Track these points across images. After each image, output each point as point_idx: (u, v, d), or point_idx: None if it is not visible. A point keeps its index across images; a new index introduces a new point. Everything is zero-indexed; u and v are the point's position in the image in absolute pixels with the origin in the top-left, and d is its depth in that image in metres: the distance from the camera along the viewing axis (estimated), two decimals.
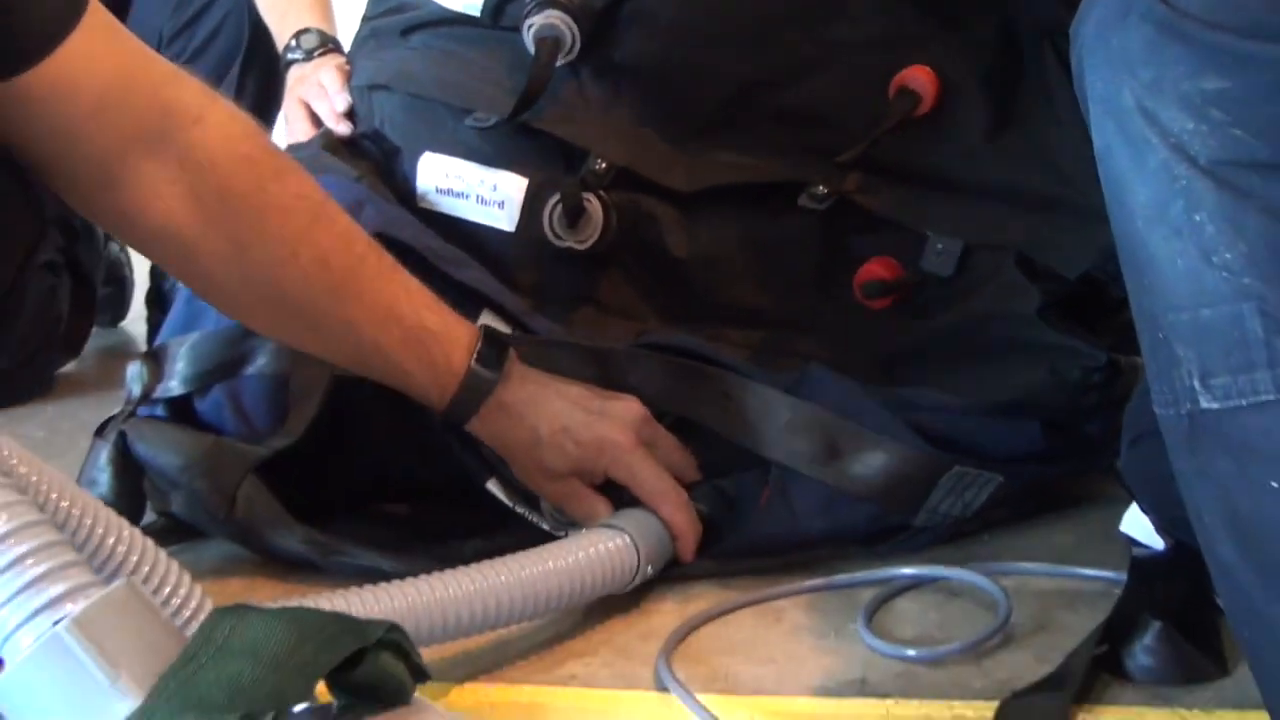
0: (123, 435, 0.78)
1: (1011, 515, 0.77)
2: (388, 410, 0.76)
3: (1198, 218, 0.45)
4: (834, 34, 0.89)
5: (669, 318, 0.91)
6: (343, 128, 0.98)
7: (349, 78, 1.01)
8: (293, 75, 1.10)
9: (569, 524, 0.76)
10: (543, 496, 0.77)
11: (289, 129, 1.07)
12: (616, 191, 0.90)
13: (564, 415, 0.74)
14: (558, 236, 0.90)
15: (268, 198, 0.68)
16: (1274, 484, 0.45)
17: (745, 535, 0.76)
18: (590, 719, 0.62)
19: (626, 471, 0.74)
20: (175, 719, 0.39)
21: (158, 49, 1.44)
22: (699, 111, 0.90)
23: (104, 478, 0.78)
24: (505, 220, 0.91)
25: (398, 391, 0.74)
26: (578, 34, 0.88)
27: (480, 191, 0.91)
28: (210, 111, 0.67)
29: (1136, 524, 0.66)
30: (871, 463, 0.73)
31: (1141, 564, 0.65)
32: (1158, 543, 0.65)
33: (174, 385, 0.80)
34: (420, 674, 0.45)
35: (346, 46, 1.09)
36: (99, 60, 0.62)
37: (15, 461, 0.48)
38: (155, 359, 0.81)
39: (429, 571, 0.63)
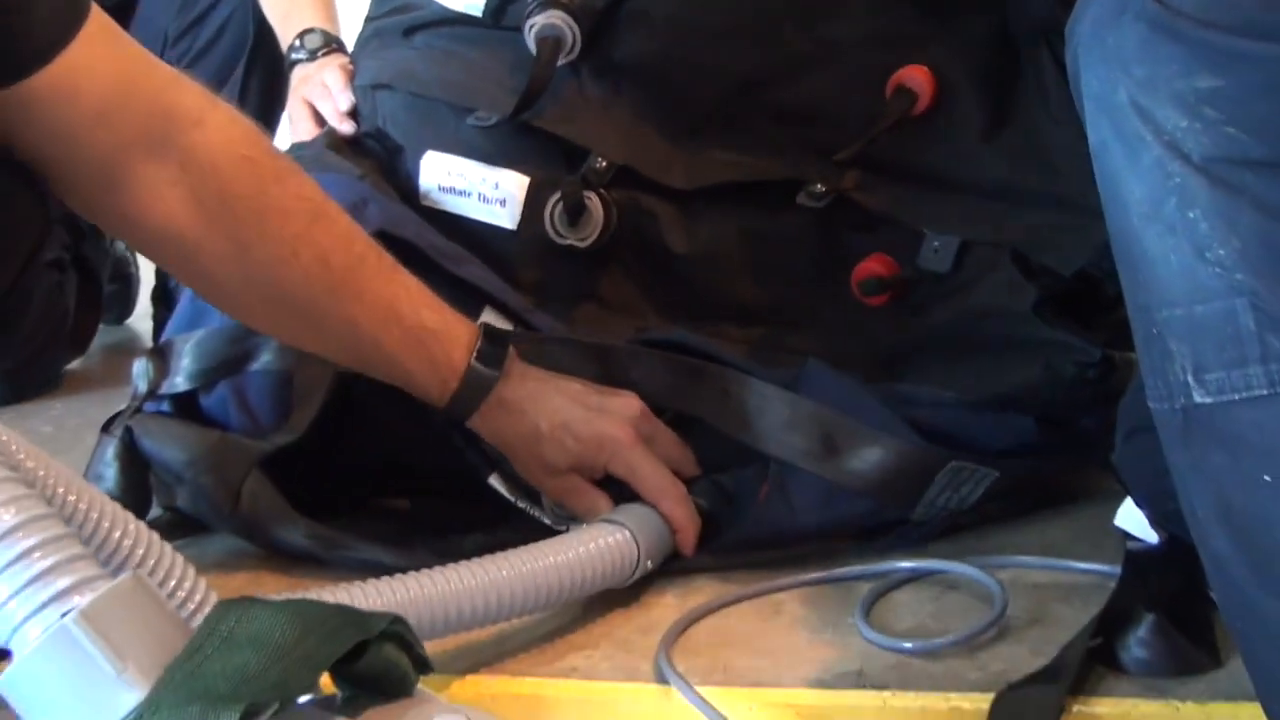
0: (129, 431, 0.79)
1: (1007, 509, 0.77)
2: (391, 406, 0.76)
3: (1191, 214, 0.45)
4: (832, 33, 0.90)
5: (669, 314, 0.91)
6: (346, 127, 0.99)
7: (352, 77, 1.02)
8: (297, 75, 1.11)
9: (569, 519, 0.77)
10: (543, 492, 0.78)
11: (293, 128, 1.08)
12: (617, 189, 0.90)
13: (564, 411, 0.75)
14: (559, 234, 0.90)
15: (268, 199, 0.68)
16: (1267, 478, 0.45)
17: (744, 529, 0.76)
18: (591, 711, 0.62)
19: (626, 467, 0.75)
20: (181, 709, 0.39)
21: (163, 49, 1.45)
22: (698, 110, 0.91)
23: (110, 473, 0.78)
24: (507, 218, 0.91)
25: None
26: (578, 34, 0.89)
27: (482, 190, 0.92)
28: (210, 115, 0.67)
29: (1131, 518, 0.66)
30: (869, 458, 0.73)
31: (1136, 557, 0.65)
32: (1152, 536, 0.65)
33: (179, 381, 0.80)
34: (423, 665, 0.45)
35: (350, 46, 1.10)
36: (100, 66, 0.63)
37: (23, 456, 0.48)
38: (161, 355, 0.82)
39: (431, 566, 0.63)
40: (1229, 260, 0.44)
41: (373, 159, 0.96)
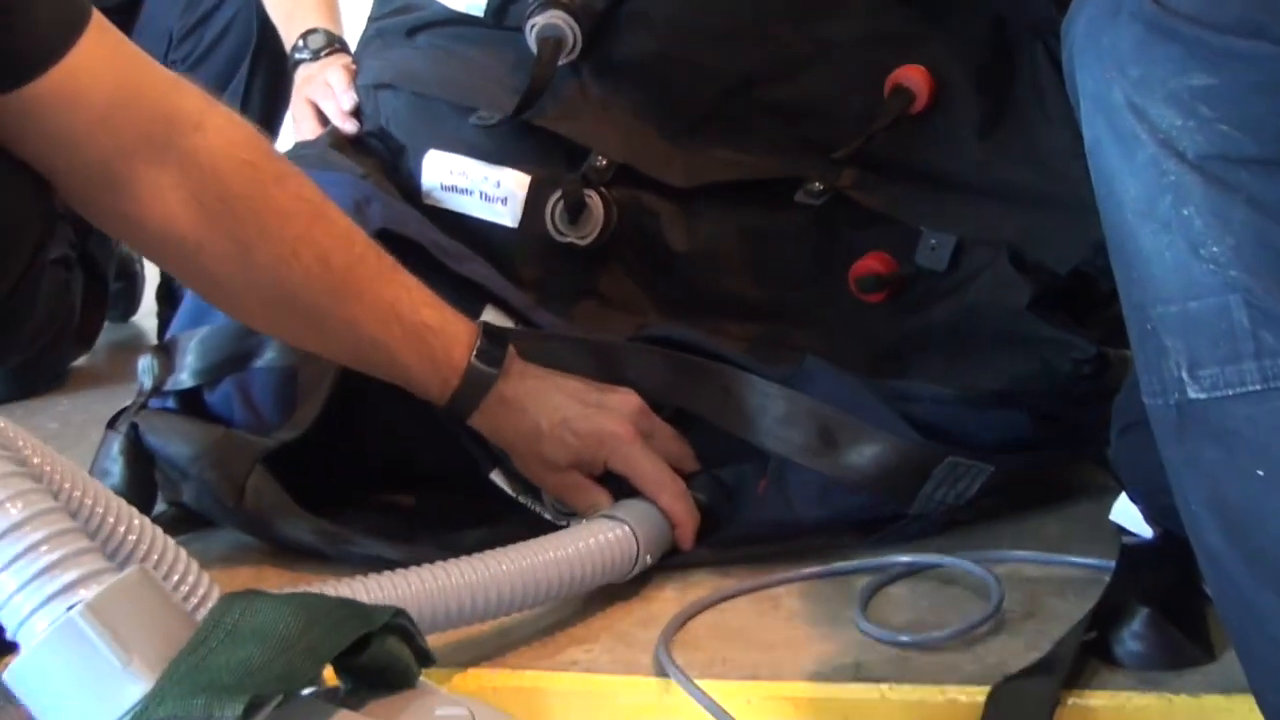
0: (134, 427, 0.79)
1: (1003, 504, 0.77)
2: (394, 403, 0.76)
3: (1186, 212, 0.45)
4: (829, 32, 0.90)
5: (669, 311, 0.92)
6: (349, 126, 0.99)
7: (355, 77, 1.02)
8: (300, 75, 1.12)
9: (570, 514, 0.77)
10: (544, 488, 0.78)
11: (296, 127, 1.08)
12: (617, 188, 0.91)
13: (563, 408, 0.75)
14: (559, 232, 0.91)
15: (268, 201, 0.69)
16: (1260, 472, 0.45)
17: (743, 524, 0.76)
18: (591, 704, 0.62)
19: (625, 462, 0.75)
20: (186, 701, 0.40)
21: (167, 49, 1.45)
22: (698, 109, 0.91)
23: (116, 468, 0.78)
24: (508, 216, 0.92)
25: None
26: (579, 34, 0.89)
27: (484, 188, 0.92)
28: (210, 118, 0.68)
29: (1125, 513, 0.66)
30: (867, 453, 0.73)
31: (1130, 552, 0.66)
32: (1146, 531, 0.66)
33: (184, 378, 0.80)
34: (425, 658, 0.46)
35: (353, 46, 1.10)
36: (101, 71, 0.63)
37: (29, 452, 0.48)
38: (166, 352, 0.82)
39: (434, 560, 0.63)
40: (1223, 257, 0.45)
41: (375, 158, 0.96)
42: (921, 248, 0.88)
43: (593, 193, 0.90)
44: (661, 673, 0.62)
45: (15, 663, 0.42)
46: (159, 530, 0.51)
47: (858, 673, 0.61)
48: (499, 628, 0.67)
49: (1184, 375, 0.46)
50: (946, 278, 0.87)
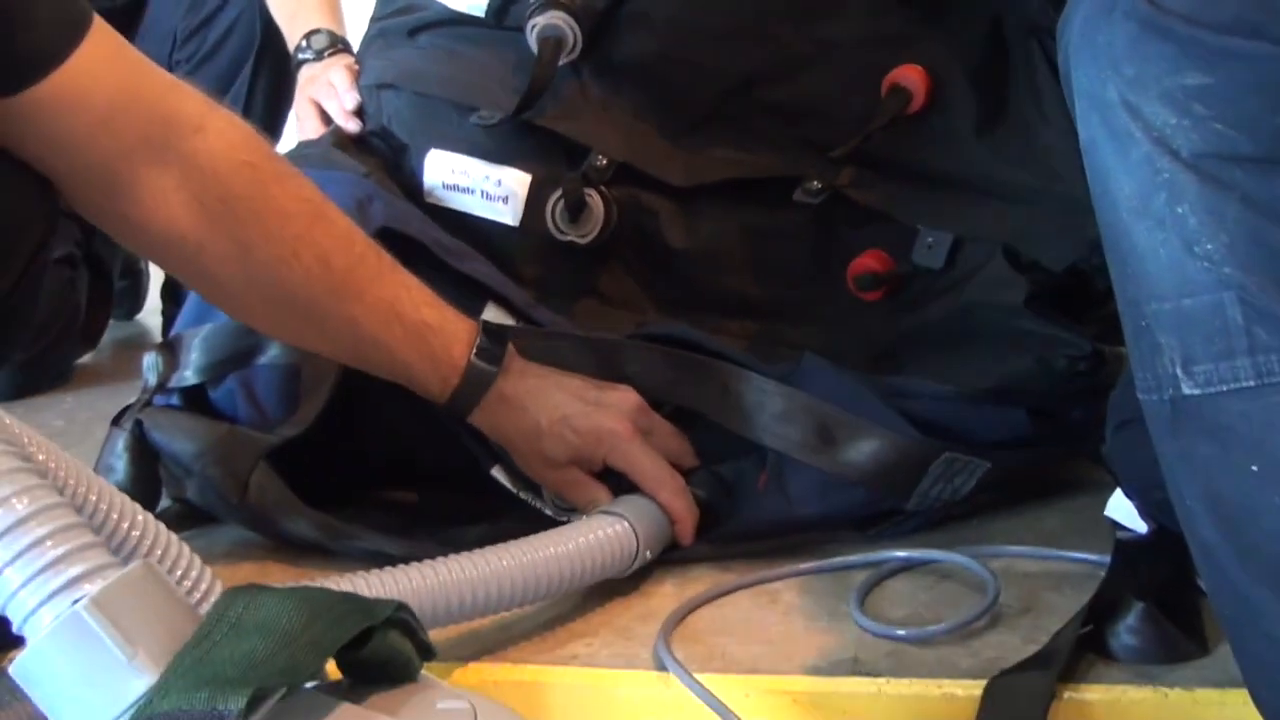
0: (139, 423, 0.79)
1: (1000, 500, 0.78)
2: (396, 400, 0.77)
3: (1180, 209, 0.45)
4: (828, 32, 0.90)
5: (668, 309, 0.92)
6: (352, 125, 1.00)
7: (358, 77, 1.02)
8: (303, 75, 1.12)
9: (570, 510, 0.78)
10: (544, 485, 0.78)
11: (300, 127, 1.09)
12: (617, 186, 0.91)
13: (563, 406, 0.75)
14: (560, 230, 0.91)
15: (269, 201, 0.69)
16: (1254, 468, 0.45)
17: (742, 520, 0.77)
18: (591, 697, 0.63)
19: (624, 459, 0.75)
20: (190, 694, 0.40)
21: (171, 49, 1.46)
22: (697, 108, 0.91)
23: (121, 464, 0.79)
24: (509, 215, 0.92)
25: None
26: (579, 34, 0.90)
27: (485, 187, 0.92)
28: (211, 120, 0.68)
29: (1120, 508, 0.66)
30: (864, 449, 0.74)
31: (1125, 547, 0.66)
32: (1141, 526, 0.66)
33: (188, 375, 0.81)
34: (427, 652, 0.46)
35: (355, 47, 1.10)
36: (102, 74, 0.63)
37: (34, 448, 0.49)
38: (170, 350, 0.82)
39: (435, 556, 0.64)
40: (1217, 254, 0.45)
41: (378, 157, 0.96)
42: (918, 246, 0.88)
43: (593, 191, 0.90)
44: (661, 667, 0.63)
45: (21, 656, 0.42)
46: (162, 526, 0.51)
47: (855, 667, 0.62)
48: (500, 622, 0.67)
49: (1178, 371, 0.46)
50: (943, 276, 0.88)
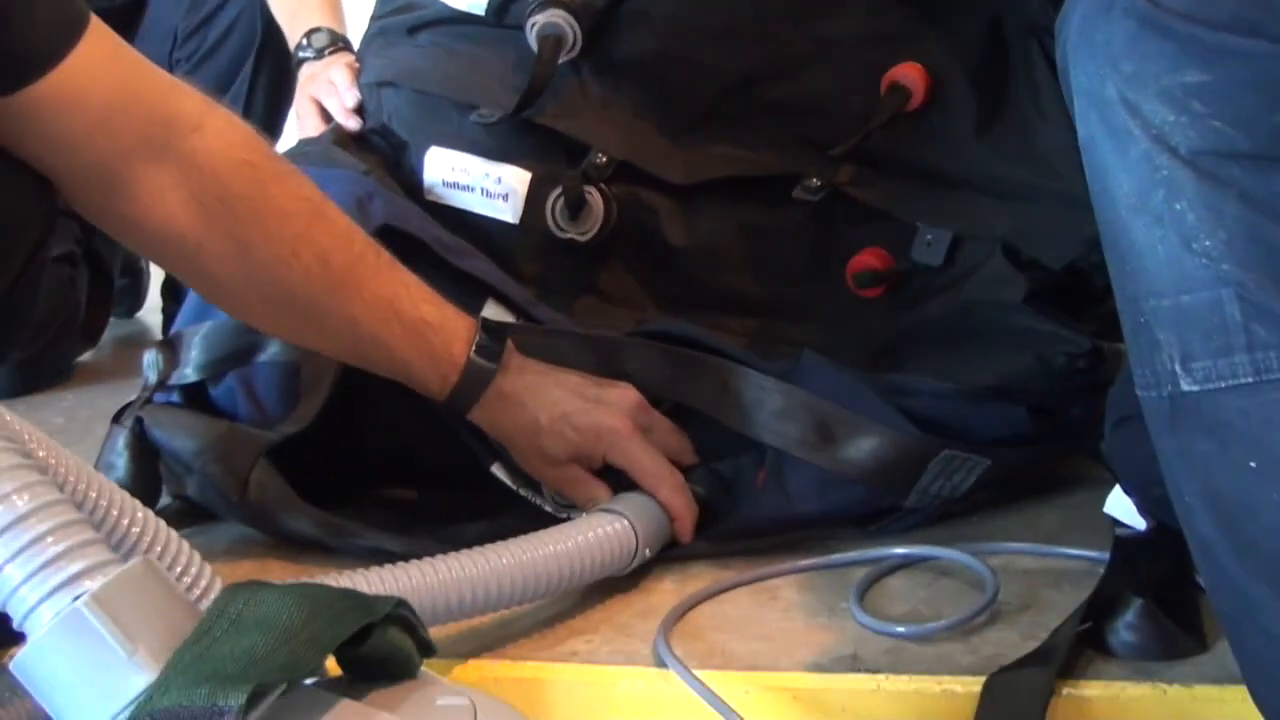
0: (139, 421, 0.79)
1: (999, 496, 0.78)
2: (395, 398, 0.77)
3: (1178, 206, 0.45)
4: (827, 31, 0.90)
5: (668, 307, 0.92)
6: (352, 123, 1.00)
7: (358, 75, 1.02)
8: (304, 73, 1.12)
9: (569, 507, 0.78)
10: (544, 482, 0.78)
11: (300, 125, 1.09)
12: (617, 184, 0.91)
13: (563, 403, 0.75)
14: (560, 228, 0.91)
15: (268, 200, 0.69)
16: (1252, 464, 0.45)
17: (741, 517, 0.77)
18: (591, 694, 0.63)
19: (624, 457, 0.75)
20: (191, 690, 0.40)
21: (172, 48, 1.46)
22: (697, 106, 0.92)
23: (121, 462, 0.79)
24: (509, 212, 0.92)
25: None
26: (579, 32, 0.90)
27: (485, 185, 0.93)
28: (209, 120, 0.68)
29: (1119, 505, 0.67)
30: (863, 447, 0.74)
31: (1124, 543, 0.66)
32: (1140, 523, 0.66)
33: (189, 372, 0.81)
34: (427, 649, 0.46)
35: (356, 45, 1.11)
36: (99, 74, 0.64)
37: (34, 445, 0.49)
38: (170, 347, 0.82)
39: (435, 554, 0.64)
40: (1215, 251, 0.45)
41: (378, 155, 0.97)
42: (918, 243, 0.89)
43: (593, 189, 0.91)
44: (660, 663, 0.63)
45: (21, 653, 0.42)
46: (161, 522, 0.51)
47: (855, 664, 0.62)
48: (500, 619, 0.67)
49: (1177, 368, 0.46)
50: (942, 273, 0.88)
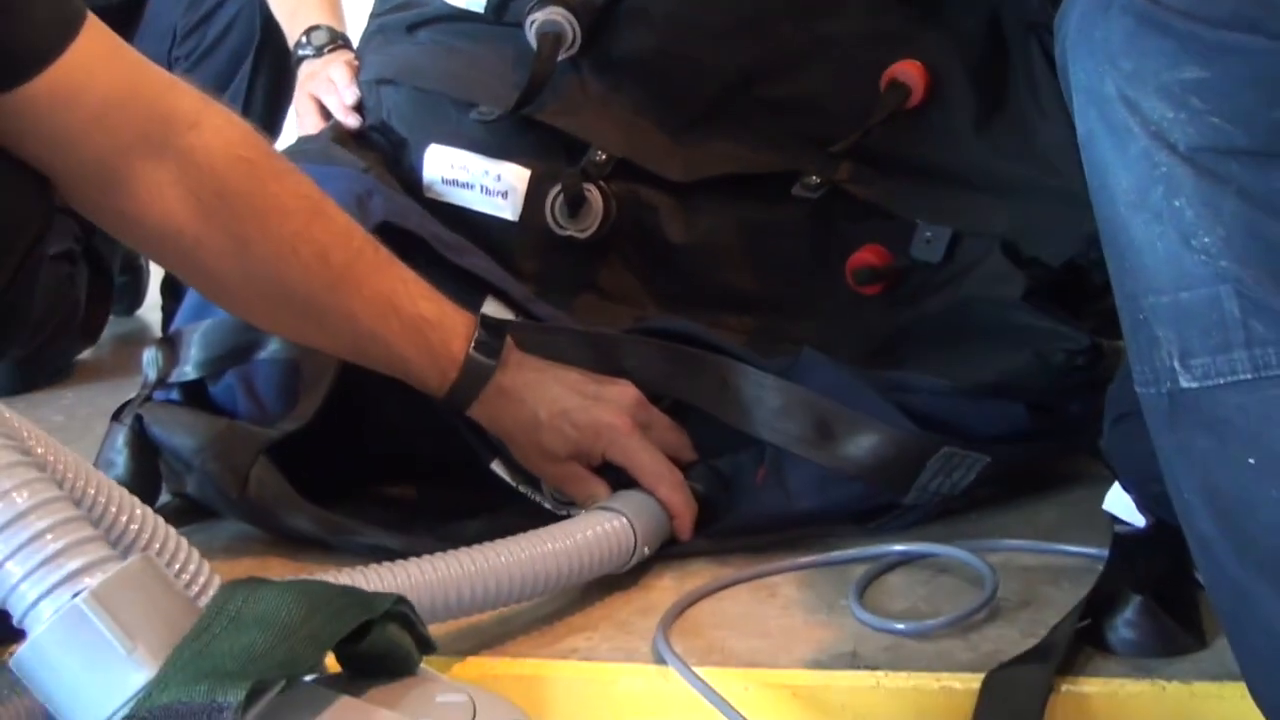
0: (139, 418, 0.79)
1: (998, 493, 0.78)
2: (396, 394, 0.77)
3: (1177, 203, 0.45)
4: (827, 29, 0.90)
5: (668, 304, 0.92)
6: (351, 121, 1.00)
7: (357, 72, 1.02)
8: (303, 70, 1.12)
9: (569, 504, 0.78)
10: (543, 479, 0.78)
11: (300, 122, 1.09)
12: (616, 182, 0.91)
13: (562, 400, 0.75)
14: (559, 225, 0.91)
15: (267, 197, 0.69)
16: (1251, 460, 0.45)
17: (740, 514, 0.77)
18: (590, 691, 0.63)
19: (623, 454, 0.75)
20: (190, 687, 0.40)
21: (171, 45, 1.46)
22: (695, 103, 0.92)
23: (121, 459, 0.79)
24: (509, 210, 0.92)
25: None
26: (578, 29, 0.90)
27: (484, 182, 0.93)
28: (207, 117, 0.68)
29: (1118, 502, 0.67)
30: (863, 444, 0.74)
31: (1123, 540, 0.66)
32: (1139, 520, 0.66)
33: (188, 370, 0.81)
34: (426, 646, 0.46)
35: (355, 42, 1.11)
36: (97, 71, 0.64)
37: (33, 443, 0.49)
38: (170, 345, 0.82)
39: (434, 551, 0.64)
40: (1214, 247, 0.45)
41: (377, 152, 0.97)
42: (917, 241, 0.89)
43: (592, 187, 0.91)
44: (660, 660, 0.63)
45: (21, 650, 0.42)
46: (160, 520, 0.52)
47: (854, 661, 0.62)
48: (499, 616, 0.67)
49: (1176, 364, 0.47)
50: (941, 270, 0.88)
